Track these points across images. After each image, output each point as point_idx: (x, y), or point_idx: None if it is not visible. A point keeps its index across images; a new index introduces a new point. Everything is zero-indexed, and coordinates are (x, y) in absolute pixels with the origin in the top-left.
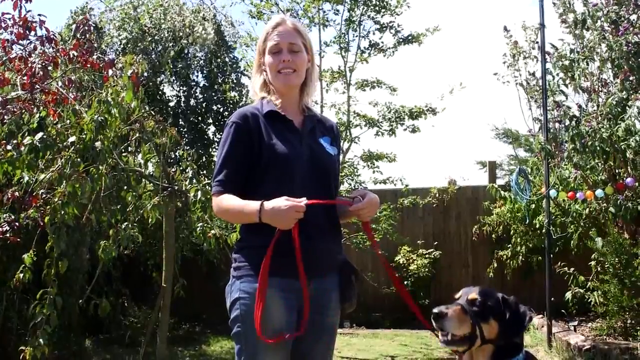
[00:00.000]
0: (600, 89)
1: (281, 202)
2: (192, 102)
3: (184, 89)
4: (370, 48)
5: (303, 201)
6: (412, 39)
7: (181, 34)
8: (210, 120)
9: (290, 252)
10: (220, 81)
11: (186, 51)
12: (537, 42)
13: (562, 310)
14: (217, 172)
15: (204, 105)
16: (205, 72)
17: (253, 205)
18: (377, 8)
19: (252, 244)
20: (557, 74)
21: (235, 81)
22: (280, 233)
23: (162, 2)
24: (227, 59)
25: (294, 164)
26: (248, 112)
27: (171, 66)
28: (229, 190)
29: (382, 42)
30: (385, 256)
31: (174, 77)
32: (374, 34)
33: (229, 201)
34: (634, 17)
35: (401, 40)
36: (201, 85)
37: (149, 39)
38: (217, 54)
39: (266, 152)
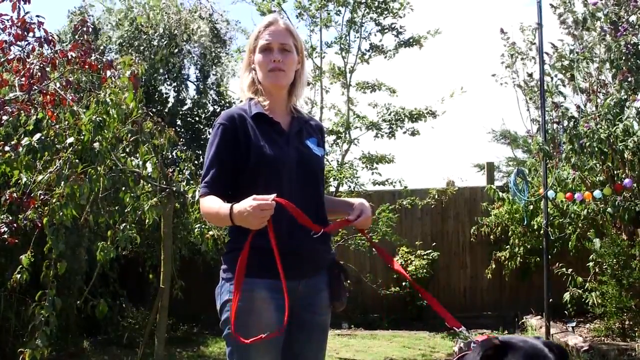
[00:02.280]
0: (599, 89)
1: (247, 203)
2: (188, 100)
3: (176, 83)
4: (370, 50)
5: (270, 197)
6: (413, 42)
7: (177, 32)
8: (206, 121)
9: (274, 253)
10: (214, 79)
11: (180, 48)
12: (534, 43)
13: (560, 311)
14: (204, 174)
15: (200, 105)
16: (198, 66)
17: (225, 208)
18: (379, 10)
19: (240, 246)
20: (556, 75)
21: (233, 74)
22: (254, 233)
23: (159, 2)
24: (221, 56)
25: (282, 166)
26: (235, 113)
27: (164, 62)
28: (214, 191)
29: (383, 44)
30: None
31: (167, 74)
32: (375, 35)
33: (209, 203)
34: (633, 18)
35: (402, 42)
36: (195, 82)
37: (144, 37)
38: (212, 50)
39: (254, 155)
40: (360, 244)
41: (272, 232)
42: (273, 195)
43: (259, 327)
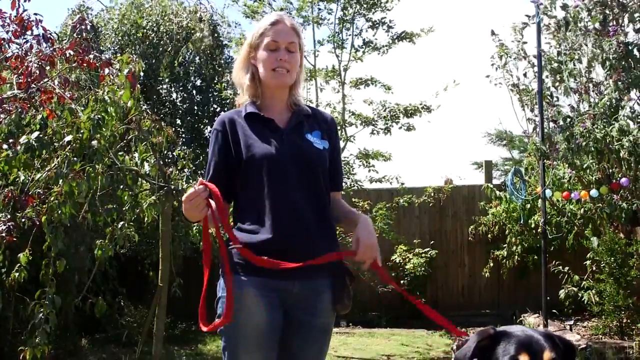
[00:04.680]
0: (591, 89)
1: (184, 197)
2: (189, 104)
3: (181, 92)
4: (364, 46)
5: (195, 185)
6: (406, 37)
7: (178, 36)
8: (207, 120)
9: (269, 251)
10: (215, 81)
11: (184, 56)
12: (525, 42)
13: (558, 310)
14: (204, 178)
15: (200, 105)
16: (202, 74)
17: None
18: (367, 5)
19: (232, 243)
20: (547, 76)
21: (230, 81)
22: (205, 221)
23: (159, 3)
24: (222, 61)
25: (274, 162)
26: (226, 117)
27: (169, 72)
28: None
29: (376, 39)
30: (382, 255)
31: (171, 83)
32: (366, 31)
33: None
34: (624, 17)
35: (395, 37)
36: (198, 87)
37: (147, 42)
38: (214, 56)
39: (244, 153)
40: None
41: (218, 226)
42: (199, 181)
43: (250, 324)
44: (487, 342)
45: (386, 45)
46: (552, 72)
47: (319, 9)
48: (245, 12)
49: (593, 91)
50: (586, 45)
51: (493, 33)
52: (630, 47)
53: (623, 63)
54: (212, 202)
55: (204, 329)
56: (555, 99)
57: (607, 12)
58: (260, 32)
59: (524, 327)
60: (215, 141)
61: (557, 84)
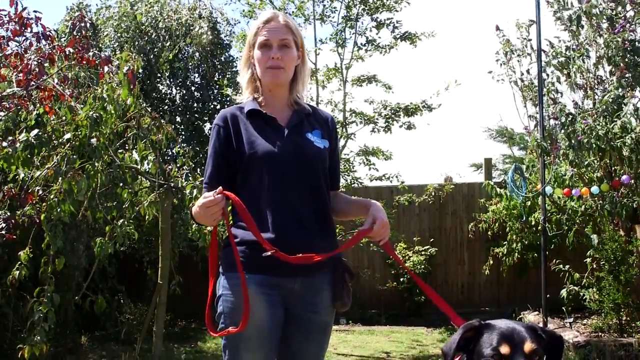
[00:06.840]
0: (596, 86)
1: (199, 202)
2: (189, 101)
3: (181, 89)
4: (366, 44)
5: (215, 192)
6: (408, 37)
7: (178, 32)
8: (207, 118)
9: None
10: (216, 79)
11: (183, 52)
12: (530, 40)
13: (558, 307)
14: (204, 175)
15: (200, 103)
16: (201, 71)
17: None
18: (374, 6)
19: (234, 240)
20: (552, 72)
21: (230, 79)
22: (215, 228)
23: (157, 1)
24: (222, 58)
25: (275, 160)
26: (228, 113)
27: (168, 67)
28: (212, 189)
29: (380, 38)
30: (381, 252)
31: (171, 80)
32: (371, 30)
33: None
34: (630, 14)
35: (398, 37)
36: (197, 84)
37: (146, 38)
38: (214, 53)
39: (246, 151)
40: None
41: (228, 227)
42: (218, 189)
43: (251, 323)
44: (471, 334)
45: (388, 45)
46: (557, 66)
47: (324, 6)
48: (244, 12)
49: (598, 88)
50: (595, 41)
51: (498, 29)
52: (637, 45)
53: (627, 60)
54: (226, 205)
55: (214, 335)
56: (559, 94)
57: (620, 8)
58: (254, 31)
59: (508, 321)
60: (216, 136)
61: (562, 78)
